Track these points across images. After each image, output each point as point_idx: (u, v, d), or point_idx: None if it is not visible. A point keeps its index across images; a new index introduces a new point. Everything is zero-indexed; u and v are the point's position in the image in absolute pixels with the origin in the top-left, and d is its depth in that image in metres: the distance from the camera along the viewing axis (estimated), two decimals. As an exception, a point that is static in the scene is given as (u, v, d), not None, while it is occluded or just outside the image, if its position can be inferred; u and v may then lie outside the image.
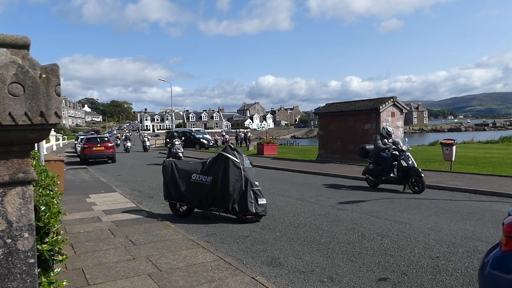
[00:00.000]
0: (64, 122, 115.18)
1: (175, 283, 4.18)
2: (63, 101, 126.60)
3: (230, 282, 4.16)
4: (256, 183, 7.30)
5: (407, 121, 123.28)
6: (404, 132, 18.77)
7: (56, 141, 43.92)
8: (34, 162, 5.08)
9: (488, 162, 16.13)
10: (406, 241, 5.74)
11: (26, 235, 1.97)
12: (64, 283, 2.52)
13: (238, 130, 56.20)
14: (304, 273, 4.59)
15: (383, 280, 4.31)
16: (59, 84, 1.98)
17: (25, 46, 1.97)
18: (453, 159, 13.95)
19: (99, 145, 22.90)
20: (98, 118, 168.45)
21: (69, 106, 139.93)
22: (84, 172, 17.72)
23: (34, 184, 3.28)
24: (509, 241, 2.57)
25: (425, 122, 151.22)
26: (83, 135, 35.15)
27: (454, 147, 13.81)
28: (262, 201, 7.16)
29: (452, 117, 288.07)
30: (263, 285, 4.07)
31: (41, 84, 1.90)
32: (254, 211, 7.05)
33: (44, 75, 1.91)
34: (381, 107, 16.94)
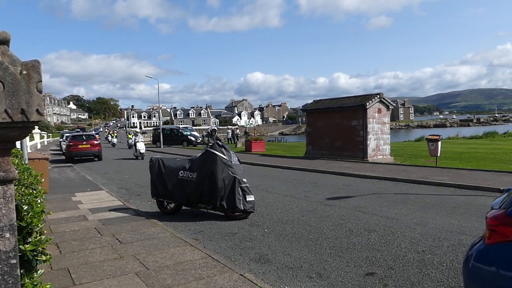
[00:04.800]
0: (48, 120, 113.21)
1: (163, 281, 4.15)
2: (48, 98, 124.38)
3: (219, 280, 4.15)
4: (244, 180, 7.29)
5: (394, 117, 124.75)
6: (391, 128, 18.96)
7: (40, 139, 43.16)
8: (17, 161, 4.97)
9: (472, 157, 16.44)
10: (393, 236, 5.81)
11: (7, 235, 1.92)
12: (48, 286, 2.46)
13: (230, 127, 55.61)
14: (292, 269, 4.61)
15: (370, 275, 4.36)
16: (41, 81, 1.93)
17: (4, 42, 1.92)
18: (439, 155, 14.19)
19: (84, 142, 22.53)
20: (83, 115, 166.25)
21: (54, 103, 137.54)
22: (70, 170, 17.46)
23: (16, 183, 3.21)
24: (492, 235, 2.62)
25: (411, 118, 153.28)
26: (68, 133, 34.59)
27: (439, 143, 14.03)
28: (250, 198, 7.15)
29: (438, 113, 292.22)
30: (252, 282, 4.07)
31: (22, 80, 1.85)
32: (242, 208, 7.04)
33: (25, 72, 1.87)
34: (367, 103, 17.08)
